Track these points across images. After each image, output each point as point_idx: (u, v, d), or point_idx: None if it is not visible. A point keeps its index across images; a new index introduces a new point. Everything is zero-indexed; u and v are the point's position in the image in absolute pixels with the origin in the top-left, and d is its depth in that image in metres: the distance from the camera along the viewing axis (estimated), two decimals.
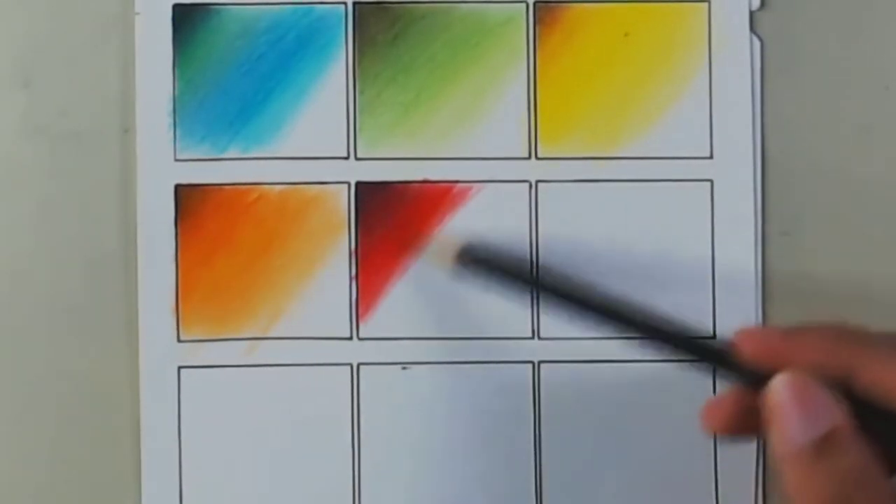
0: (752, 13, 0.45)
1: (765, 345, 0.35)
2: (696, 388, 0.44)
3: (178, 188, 0.45)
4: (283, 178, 0.45)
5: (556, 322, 0.45)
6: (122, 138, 0.46)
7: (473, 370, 0.45)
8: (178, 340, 0.45)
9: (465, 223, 0.45)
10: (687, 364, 0.44)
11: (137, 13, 0.45)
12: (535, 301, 0.45)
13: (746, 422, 0.35)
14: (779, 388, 0.34)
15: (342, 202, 0.45)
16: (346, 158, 0.45)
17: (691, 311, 0.45)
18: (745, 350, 0.36)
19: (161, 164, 0.45)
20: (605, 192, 0.45)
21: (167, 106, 0.45)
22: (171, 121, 0.45)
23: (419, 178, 0.45)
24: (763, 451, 0.45)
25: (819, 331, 0.35)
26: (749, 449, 0.45)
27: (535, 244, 0.45)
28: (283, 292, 0.45)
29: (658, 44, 0.45)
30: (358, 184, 0.45)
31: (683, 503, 0.45)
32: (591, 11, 0.46)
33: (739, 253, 0.45)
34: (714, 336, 0.45)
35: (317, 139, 0.45)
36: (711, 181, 0.45)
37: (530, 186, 0.45)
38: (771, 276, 0.45)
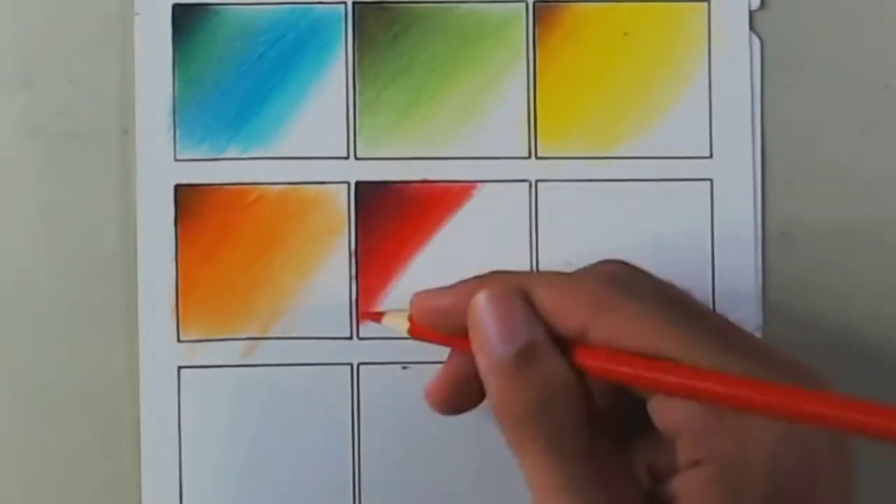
0: (751, 13, 0.45)
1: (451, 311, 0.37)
2: None
3: (178, 188, 0.45)
4: (282, 177, 0.45)
5: None
6: (122, 138, 0.46)
7: None
8: (178, 340, 0.45)
9: (465, 223, 0.45)
10: None
11: (137, 13, 0.45)
12: None
13: (470, 390, 0.37)
14: (480, 301, 0.35)
15: (342, 202, 0.45)
16: (346, 158, 0.45)
17: None
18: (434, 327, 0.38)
19: (161, 164, 0.45)
20: (605, 192, 0.45)
21: (167, 106, 0.45)
22: (171, 121, 0.45)
23: (419, 177, 0.45)
24: None
25: (488, 277, 0.37)
26: None
27: (535, 244, 0.45)
28: (282, 292, 0.45)
29: (658, 44, 0.45)
30: (358, 183, 0.45)
31: None
32: (591, 11, 0.46)
33: (739, 253, 0.45)
34: None
35: (316, 139, 0.45)
36: (711, 181, 0.45)
37: (530, 186, 0.45)
38: (771, 276, 0.45)
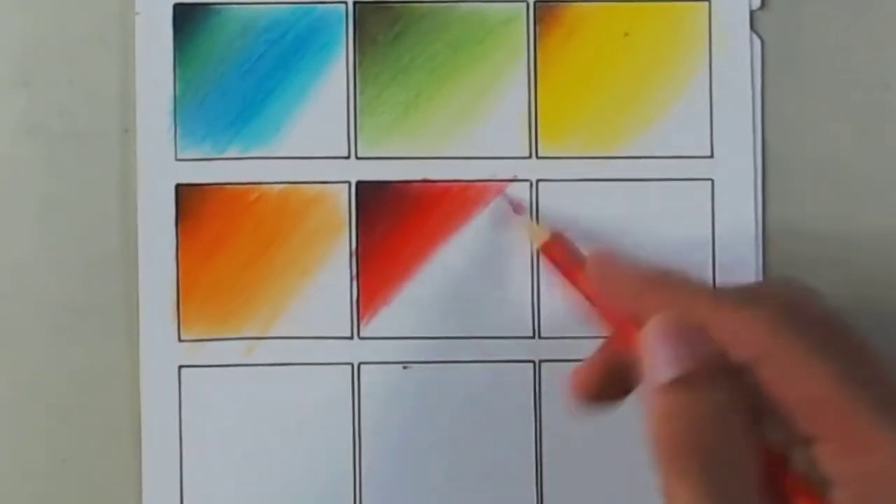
0: (752, 12, 0.45)
1: (625, 295, 0.38)
2: None
3: (179, 188, 0.45)
4: (283, 177, 0.45)
5: (557, 321, 0.45)
6: (122, 138, 0.46)
7: (473, 370, 0.45)
8: (179, 340, 0.45)
9: (464, 223, 0.45)
10: None
11: (137, 13, 0.45)
12: (536, 299, 0.45)
13: (613, 386, 0.38)
14: (652, 326, 0.36)
15: (343, 202, 0.45)
16: (347, 158, 0.45)
17: None
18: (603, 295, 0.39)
19: (161, 163, 0.45)
20: (605, 191, 0.45)
21: (167, 106, 0.45)
22: (172, 121, 0.45)
23: (419, 177, 0.45)
24: None
25: (644, 269, 0.38)
26: None
27: (535, 244, 0.45)
28: (283, 292, 0.45)
29: (658, 43, 0.46)
30: (358, 183, 0.45)
31: None
32: (592, 11, 0.46)
33: (739, 252, 0.45)
34: None
35: (317, 139, 0.45)
36: (712, 180, 0.45)
37: (531, 186, 0.45)
38: (771, 276, 0.45)
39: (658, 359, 0.35)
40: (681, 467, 0.34)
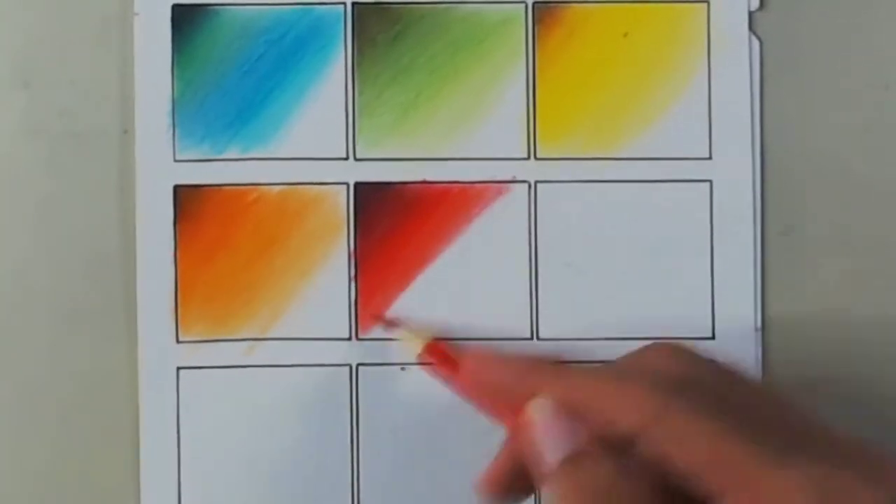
0: (751, 13, 0.45)
1: (504, 388, 0.39)
2: None
3: (178, 189, 0.45)
4: (282, 178, 0.45)
5: (555, 322, 0.45)
6: (122, 139, 0.46)
7: None
8: (177, 341, 0.45)
9: (464, 224, 0.45)
10: None
11: (137, 13, 0.46)
12: (534, 301, 0.45)
13: (520, 481, 0.38)
14: (530, 411, 0.36)
15: (341, 203, 0.45)
16: (346, 159, 0.45)
17: (690, 312, 0.45)
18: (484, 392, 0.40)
19: (160, 164, 0.45)
20: (604, 193, 0.45)
21: (166, 106, 0.45)
22: (171, 121, 0.45)
23: (418, 178, 0.45)
24: None
25: (515, 362, 0.39)
26: None
27: (534, 244, 0.45)
28: (282, 293, 0.45)
29: (657, 44, 0.45)
30: (357, 184, 0.45)
31: None
32: (591, 11, 0.45)
33: (739, 253, 0.45)
34: (713, 336, 0.45)
35: (316, 140, 0.45)
36: (711, 181, 0.45)
37: (529, 187, 0.45)
38: (770, 276, 0.45)
39: (543, 442, 0.35)
40: None
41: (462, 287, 0.45)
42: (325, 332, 0.45)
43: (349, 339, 0.45)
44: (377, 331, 0.45)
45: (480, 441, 0.45)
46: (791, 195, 0.45)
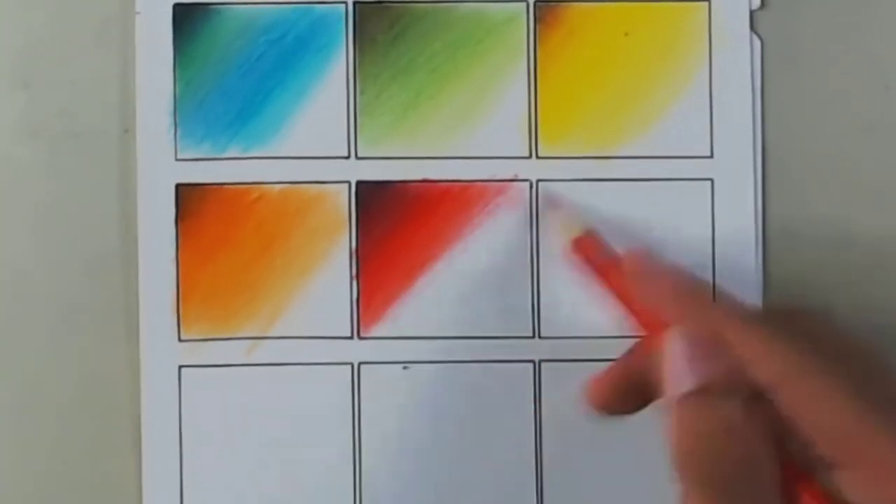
0: (752, 12, 0.45)
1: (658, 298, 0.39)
2: None
3: (179, 188, 0.45)
4: (283, 177, 0.45)
5: (557, 321, 0.45)
6: (122, 138, 0.46)
7: (473, 370, 0.45)
8: (179, 340, 0.45)
9: (464, 223, 0.45)
10: None
11: (137, 13, 0.45)
12: (535, 301, 0.45)
13: (631, 397, 0.39)
14: (675, 335, 0.37)
15: (342, 201, 0.45)
16: (347, 158, 0.45)
17: None
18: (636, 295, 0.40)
19: (161, 163, 0.45)
20: (605, 192, 0.45)
21: (167, 106, 0.45)
22: (172, 120, 0.45)
23: (419, 177, 0.45)
24: None
25: (680, 276, 0.40)
26: None
27: (535, 243, 0.45)
28: (283, 292, 0.45)
29: (658, 43, 0.46)
30: (358, 183, 0.45)
31: None
32: (592, 11, 0.46)
33: (739, 253, 0.45)
34: None
35: (317, 139, 0.45)
36: (712, 180, 0.45)
37: (531, 186, 0.45)
38: (771, 276, 0.45)
39: (679, 368, 0.36)
40: (696, 478, 0.34)
41: (463, 285, 0.45)
42: (327, 330, 0.45)
43: (351, 337, 0.45)
44: (378, 330, 0.45)
45: (482, 440, 0.45)
46: (791, 193, 0.46)
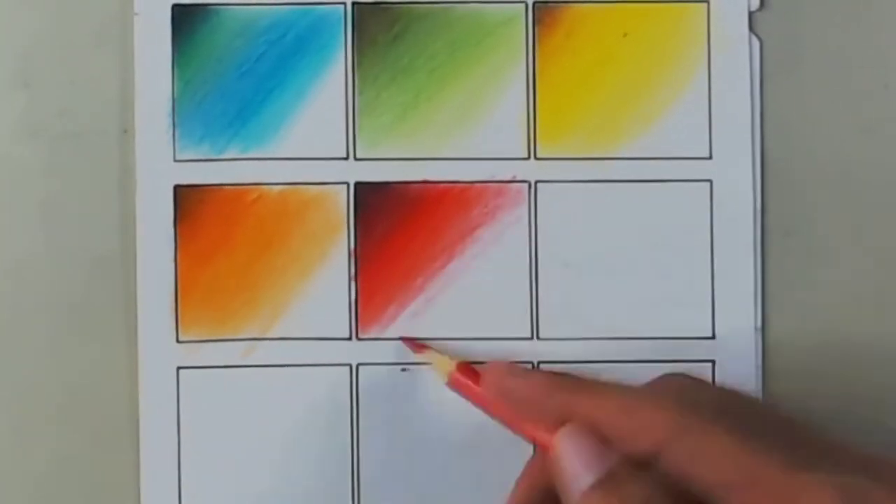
0: (751, 13, 0.45)
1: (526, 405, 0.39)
2: None
3: (178, 189, 0.45)
4: (282, 178, 0.45)
5: (555, 322, 0.45)
6: (122, 138, 0.46)
7: None
8: (177, 341, 0.45)
9: (463, 224, 0.45)
10: (686, 364, 0.45)
11: (136, 13, 0.45)
12: (534, 301, 0.45)
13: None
14: (561, 437, 0.37)
15: (341, 202, 0.45)
16: (346, 159, 0.45)
17: (691, 312, 0.45)
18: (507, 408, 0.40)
19: (160, 164, 0.45)
20: (604, 193, 0.45)
21: (166, 106, 0.45)
22: (171, 121, 0.45)
23: (419, 178, 0.45)
24: None
25: (539, 376, 0.40)
26: None
27: (534, 244, 0.45)
28: (282, 293, 0.45)
29: (657, 44, 0.45)
30: (357, 184, 0.45)
31: None
32: (591, 11, 0.45)
33: (739, 253, 0.45)
34: (713, 336, 0.45)
35: (316, 139, 0.45)
36: (711, 181, 0.45)
37: (530, 186, 0.45)
38: (771, 277, 0.45)
39: (576, 466, 0.36)
40: None
41: (462, 287, 0.45)
42: (326, 331, 0.45)
43: (349, 338, 0.45)
44: (376, 331, 0.45)
45: (481, 442, 0.45)
46: (791, 195, 0.45)
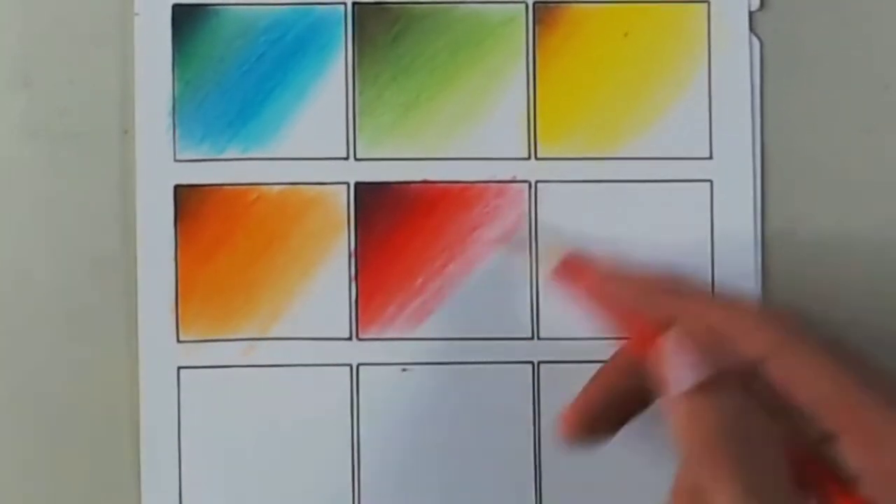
0: (751, 13, 0.45)
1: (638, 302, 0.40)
2: None
3: (178, 188, 0.45)
4: (282, 178, 0.45)
5: (555, 322, 0.45)
6: (122, 138, 0.46)
7: (473, 370, 0.45)
8: (178, 341, 0.45)
9: (463, 224, 0.45)
10: None
11: (137, 13, 0.45)
12: (534, 301, 0.45)
13: (612, 411, 0.40)
14: (670, 336, 0.37)
15: (342, 202, 0.45)
16: (346, 159, 0.45)
17: None
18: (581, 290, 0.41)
19: (160, 164, 0.45)
20: (604, 193, 0.45)
21: (167, 106, 0.45)
22: (171, 121, 0.45)
23: (419, 178, 0.45)
24: None
25: (646, 280, 0.40)
26: None
27: (534, 244, 0.45)
28: (282, 293, 0.45)
29: (658, 44, 0.45)
30: (357, 184, 0.45)
31: None
32: (591, 11, 0.46)
33: (739, 253, 0.45)
34: None
35: (316, 139, 0.45)
36: (711, 181, 0.45)
37: (530, 186, 0.45)
38: (771, 276, 0.45)
39: (680, 366, 0.37)
40: (715, 465, 0.35)
41: (462, 286, 0.45)
42: (326, 331, 0.45)
43: (350, 339, 0.45)
44: (376, 331, 0.45)
45: (480, 441, 0.45)
46: (791, 195, 0.45)
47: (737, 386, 0.36)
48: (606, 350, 0.44)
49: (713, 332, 0.37)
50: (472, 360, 0.45)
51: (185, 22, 0.45)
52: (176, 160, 0.45)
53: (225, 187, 0.45)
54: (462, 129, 0.45)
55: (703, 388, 0.36)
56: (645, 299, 0.39)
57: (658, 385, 0.37)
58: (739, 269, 0.45)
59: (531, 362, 0.45)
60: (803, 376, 0.36)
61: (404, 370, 0.45)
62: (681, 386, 0.36)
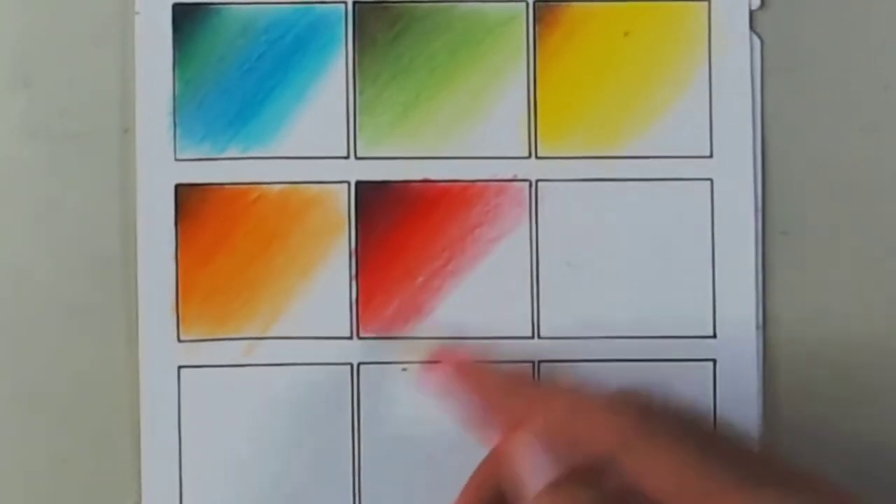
0: (752, 12, 0.45)
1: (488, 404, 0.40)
2: (696, 387, 0.44)
3: (178, 188, 0.45)
4: (282, 177, 0.45)
5: (556, 322, 0.45)
6: (122, 138, 0.46)
7: None
8: (178, 340, 0.45)
9: (464, 223, 0.45)
10: (687, 362, 0.45)
11: (137, 13, 0.45)
12: (535, 300, 0.45)
13: None
14: (520, 439, 0.37)
15: (342, 202, 0.45)
16: (346, 158, 0.45)
17: (691, 311, 0.45)
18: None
19: (161, 163, 0.45)
20: (605, 192, 0.45)
21: (167, 106, 0.45)
22: (171, 120, 0.45)
23: (419, 177, 0.45)
24: None
25: (495, 377, 0.41)
26: None
27: (534, 244, 0.45)
28: (283, 292, 0.45)
29: (658, 43, 0.45)
30: (358, 183, 0.45)
31: None
32: (591, 11, 0.46)
33: (739, 252, 0.45)
34: (714, 335, 0.45)
35: (317, 138, 0.45)
36: (711, 180, 0.45)
37: (530, 186, 0.45)
38: (771, 276, 0.45)
39: (527, 471, 0.37)
40: None
41: (463, 285, 0.45)
42: (327, 330, 0.45)
43: (350, 337, 0.45)
44: (377, 330, 0.45)
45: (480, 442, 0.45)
46: (791, 194, 0.45)
47: (592, 479, 0.35)
48: (606, 350, 0.45)
49: (563, 430, 0.37)
50: (473, 359, 0.45)
51: (185, 21, 0.45)
52: (176, 159, 0.45)
53: (225, 187, 0.45)
54: (462, 127, 0.45)
55: (552, 491, 0.36)
56: (492, 402, 0.40)
57: (510, 489, 0.37)
58: (739, 269, 0.45)
59: (532, 362, 0.45)
60: (650, 469, 0.35)
61: (404, 370, 0.45)
62: (529, 490, 0.36)
